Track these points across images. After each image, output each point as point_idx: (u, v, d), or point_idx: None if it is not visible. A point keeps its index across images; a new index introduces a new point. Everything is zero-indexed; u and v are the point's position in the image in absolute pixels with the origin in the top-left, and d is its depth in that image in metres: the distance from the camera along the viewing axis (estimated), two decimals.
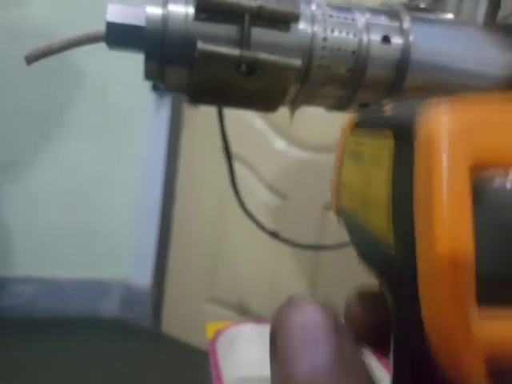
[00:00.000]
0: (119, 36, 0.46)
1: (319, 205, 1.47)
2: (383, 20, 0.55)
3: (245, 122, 1.55)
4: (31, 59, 0.49)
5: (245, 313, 1.63)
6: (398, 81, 0.52)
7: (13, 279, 1.74)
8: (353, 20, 0.50)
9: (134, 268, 1.82)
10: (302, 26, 0.46)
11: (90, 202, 1.78)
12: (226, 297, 1.67)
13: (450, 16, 0.54)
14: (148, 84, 1.40)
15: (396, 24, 0.53)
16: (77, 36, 0.49)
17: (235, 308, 1.65)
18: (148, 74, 0.48)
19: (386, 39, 0.50)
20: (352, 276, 1.46)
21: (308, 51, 0.47)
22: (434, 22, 0.54)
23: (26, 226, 1.74)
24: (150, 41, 0.43)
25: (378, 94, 0.55)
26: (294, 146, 1.51)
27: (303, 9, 0.51)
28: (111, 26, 0.47)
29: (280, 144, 1.53)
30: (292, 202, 1.51)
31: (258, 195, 1.58)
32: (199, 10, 0.43)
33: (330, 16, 0.49)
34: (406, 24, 0.52)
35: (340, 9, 0.53)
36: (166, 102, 1.72)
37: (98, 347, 1.70)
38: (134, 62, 1.71)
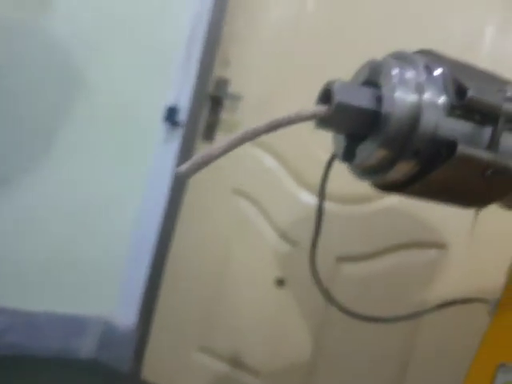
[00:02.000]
0: (345, 117, 0.39)
1: (332, 256, 1.42)
2: None
3: (262, 164, 1.51)
4: (188, 174, 0.42)
5: (239, 366, 1.52)
6: None
7: None
8: None
9: (117, 305, 1.65)
10: None
11: (78, 230, 1.61)
12: (220, 347, 1.53)
13: None
14: (160, 112, 1.34)
15: None
16: (261, 127, 0.42)
17: (229, 360, 1.53)
18: (369, 163, 0.43)
19: None
20: (360, 339, 1.42)
21: None
22: None
23: (2, 250, 1.55)
24: (391, 130, 0.37)
25: None
26: (310, 194, 1.46)
27: None
28: (341, 107, 0.38)
29: (296, 191, 1.49)
30: (303, 250, 1.45)
31: (266, 240, 1.52)
32: (459, 106, 0.37)
33: None
34: None
35: None
36: (178, 134, 1.64)
37: None
38: (148, 83, 1.66)
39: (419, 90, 0.38)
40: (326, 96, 0.41)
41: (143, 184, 1.65)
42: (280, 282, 1.47)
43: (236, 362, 1.53)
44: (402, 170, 0.39)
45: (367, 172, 0.42)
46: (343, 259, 1.43)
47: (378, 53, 0.61)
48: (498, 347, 0.71)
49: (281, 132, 0.46)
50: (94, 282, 1.67)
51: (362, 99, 0.39)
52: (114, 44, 1.55)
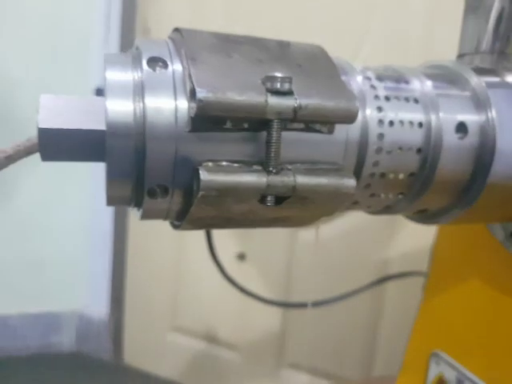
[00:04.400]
0: (63, 146, 0.25)
1: None
2: (450, 90, 0.37)
3: None
4: None
5: (214, 342, 1.45)
6: (477, 180, 0.29)
7: None
8: (415, 100, 0.27)
9: (88, 298, 1.58)
10: None
11: (36, 230, 1.53)
12: (191, 325, 1.47)
13: None
14: (89, 94, 1.16)
15: (466, 93, 0.30)
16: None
17: (202, 337, 1.47)
18: (113, 199, 0.29)
19: (461, 128, 0.28)
20: (326, 287, 1.33)
21: (355, 156, 0.26)
22: (510, 88, 0.37)
23: None
24: (116, 153, 0.24)
25: (445, 198, 0.38)
26: None
27: (347, 84, 0.27)
28: (47, 135, 0.25)
29: None
30: None
31: None
32: (197, 118, 0.23)
33: (387, 98, 0.27)
34: (482, 92, 0.29)
35: (393, 78, 0.29)
36: None
37: None
38: (69, 65, 1.49)
39: (138, 95, 0.23)
40: None
41: (91, 174, 1.51)
42: (241, 257, 1.38)
43: (211, 338, 1.45)
44: (153, 204, 0.26)
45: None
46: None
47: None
48: (429, 334, 0.60)
49: None
50: (61, 278, 1.59)
51: (76, 118, 0.25)
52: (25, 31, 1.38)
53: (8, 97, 1.38)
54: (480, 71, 0.34)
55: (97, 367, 1.58)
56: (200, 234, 1.43)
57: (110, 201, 0.26)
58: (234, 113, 0.22)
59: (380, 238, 1.23)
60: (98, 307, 1.58)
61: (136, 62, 0.25)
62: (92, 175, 1.50)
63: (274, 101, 0.22)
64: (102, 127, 0.23)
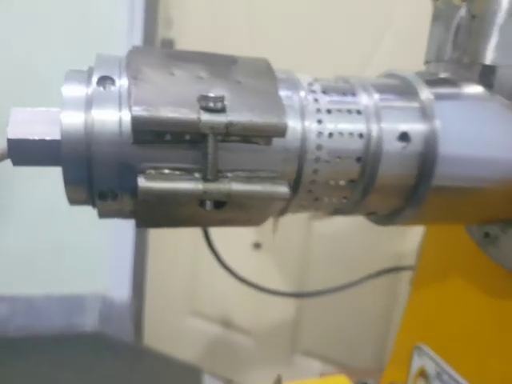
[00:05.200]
0: (28, 154, 0.29)
1: (303, 215, 1.34)
2: (397, 102, 0.40)
3: None
4: None
5: (229, 326, 1.50)
6: (422, 182, 0.33)
7: None
8: (358, 112, 0.31)
9: (111, 281, 1.65)
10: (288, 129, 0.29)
11: (60, 216, 1.61)
12: (208, 310, 1.53)
13: (478, 89, 0.38)
14: None
15: (414, 104, 0.33)
16: None
17: (218, 321, 1.52)
18: (73, 201, 0.33)
19: (404, 137, 0.31)
20: (339, 277, 1.35)
21: (296, 165, 0.29)
22: (463, 99, 0.36)
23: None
24: (69, 161, 0.27)
25: (392, 200, 0.41)
26: None
27: (287, 98, 0.30)
28: (15, 144, 0.28)
29: None
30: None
31: None
32: (137, 132, 0.26)
33: (328, 111, 0.31)
34: (429, 105, 0.32)
35: (340, 91, 0.33)
36: None
37: (78, 363, 1.56)
38: (91, 56, 1.53)
39: (89, 108, 0.27)
40: None
41: None
42: (257, 246, 1.42)
43: (227, 324, 1.50)
44: (105, 205, 0.30)
45: None
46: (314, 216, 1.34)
47: None
48: (414, 327, 0.62)
49: None
50: (85, 262, 1.66)
51: (39, 129, 0.28)
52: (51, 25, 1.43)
53: (36, 93, 1.45)
54: (435, 82, 0.36)
55: (118, 348, 1.65)
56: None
57: (71, 201, 0.30)
58: (169, 128, 0.25)
59: (396, 230, 1.24)
60: (120, 290, 1.65)
61: (90, 79, 0.28)
62: None
63: (206, 118, 0.25)
64: (58, 137, 0.27)
